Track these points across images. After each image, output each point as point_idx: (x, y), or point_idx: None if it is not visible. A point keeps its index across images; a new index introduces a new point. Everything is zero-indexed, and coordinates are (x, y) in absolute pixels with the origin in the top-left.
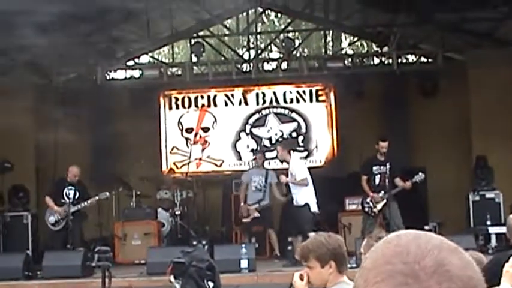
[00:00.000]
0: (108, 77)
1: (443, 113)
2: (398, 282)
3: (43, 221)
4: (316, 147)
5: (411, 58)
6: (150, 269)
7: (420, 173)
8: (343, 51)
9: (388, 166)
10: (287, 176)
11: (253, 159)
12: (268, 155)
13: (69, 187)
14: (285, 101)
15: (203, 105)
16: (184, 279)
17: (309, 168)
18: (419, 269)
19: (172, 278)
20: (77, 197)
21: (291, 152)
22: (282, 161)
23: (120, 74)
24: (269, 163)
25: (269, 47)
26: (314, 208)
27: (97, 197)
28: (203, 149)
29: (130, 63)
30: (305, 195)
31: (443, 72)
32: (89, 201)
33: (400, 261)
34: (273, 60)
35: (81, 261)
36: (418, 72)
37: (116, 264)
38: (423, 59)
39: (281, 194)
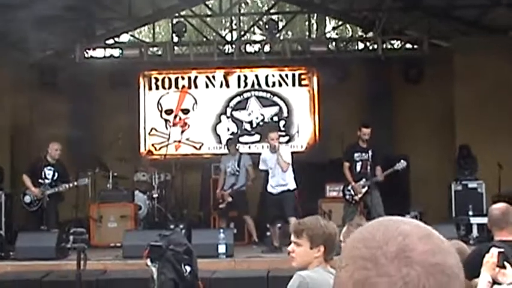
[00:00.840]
0: (87, 55)
1: (428, 101)
2: (358, 266)
3: (17, 200)
4: (298, 132)
5: (396, 44)
6: (126, 252)
7: (402, 161)
8: (328, 35)
9: (370, 153)
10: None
11: (227, 149)
12: (248, 139)
13: (48, 167)
14: (267, 85)
15: (183, 87)
16: (161, 263)
17: (291, 153)
18: (381, 254)
19: (148, 262)
20: (55, 177)
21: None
22: (273, 148)
23: (99, 53)
24: (249, 147)
25: (252, 29)
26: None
27: (76, 183)
28: (182, 131)
29: (110, 41)
30: (293, 180)
31: (429, 59)
32: (66, 186)
33: (364, 245)
34: (255, 42)
35: (55, 243)
36: (402, 58)
37: (91, 246)
38: (408, 45)
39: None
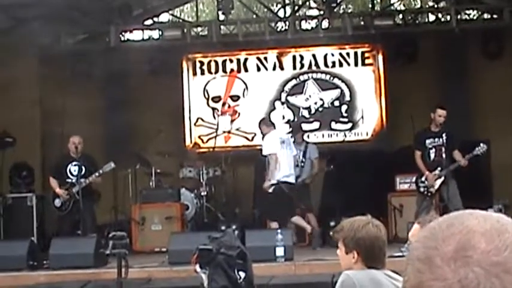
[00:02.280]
0: (123, 38)
1: (510, 78)
2: (414, 269)
3: (50, 203)
4: (362, 117)
5: (473, 14)
6: (172, 257)
7: (481, 144)
8: (393, 7)
9: (444, 138)
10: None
11: (292, 136)
12: (306, 127)
13: (73, 163)
14: (326, 65)
15: (232, 70)
16: (211, 268)
17: (355, 142)
18: (436, 255)
19: (197, 268)
20: (83, 173)
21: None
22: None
23: (137, 35)
24: (308, 136)
25: (307, 3)
26: None
27: (100, 171)
28: (232, 121)
29: (149, 22)
30: None
31: (510, 30)
32: (92, 177)
33: (422, 245)
34: (312, 18)
35: (93, 249)
36: (480, 31)
37: (133, 252)
38: (487, 15)
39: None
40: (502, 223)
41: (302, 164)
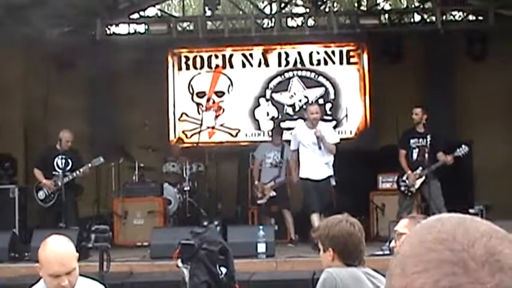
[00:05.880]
0: (108, 32)
1: (494, 79)
2: (444, 272)
3: (32, 195)
4: (346, 116)
5: (458, 15)
6: (154, 252)
7: (463, 146)
8: (379, 7)
9: (428, 139)
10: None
11: (270, 138)
12: (290, 124)
13: (60, 156)
14: (311, 63)
15: (217, 66)
16: (193, 263)
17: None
18: (469, 258)
19: (179, 263)
20: (69, 167)
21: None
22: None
23: (122, 29)
24: (291, 133)
25: (294, 1)
26: None
27: (90, 165)
28: (217, 116)
29: (135, 16)
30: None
31: (495, 32)
32: (80, 170)
33: (446, 248)
34: (298, 15)
35: (75, 242)
36: (465, 32)
37: (115, 246)
38: (472, 17)
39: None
40: (499, 229)
41: (280, 164)
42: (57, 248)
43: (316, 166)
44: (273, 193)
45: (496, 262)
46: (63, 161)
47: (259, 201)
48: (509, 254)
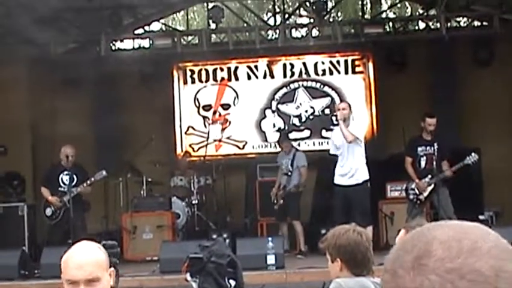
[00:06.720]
0: (113, 47)
1: (500, 85)
2: (383, 279)
3: (41, 213)
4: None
5: (463, 21)
6: (164, 266)
7: (473, 154)
8: (383, 15)
9: (435, 146)
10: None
11: (280, 146)
12: (297, 135)
13: (66, 172)
14: (316, 73)
15: (223, 79)
16: (202, 277)
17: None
18: (398, 266)
19: (188, 276)
20: (74, 183)
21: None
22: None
23: (127, 44)
24: (299, 144)
25: (298, 11)
26: None
27: (92, 179)
28: (223, 129)
29: (139, 31)
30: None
31: (500, 37)
32: (84, 185)
33: (392, 256)
34: (302, 26)
35: None
36: (470, 38)
37: (124, 261)
38: (476, 23)
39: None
40: (467, 231)
41: (290, 173)
42: (78, 251)
43: (346, 172)
44: (281, 201)
45: (420, 266)
46: (68, 177)
47: (275, 207)
48: (439, 257)
